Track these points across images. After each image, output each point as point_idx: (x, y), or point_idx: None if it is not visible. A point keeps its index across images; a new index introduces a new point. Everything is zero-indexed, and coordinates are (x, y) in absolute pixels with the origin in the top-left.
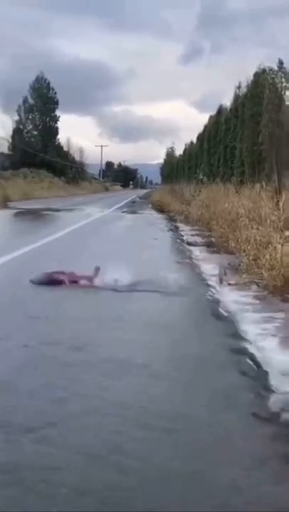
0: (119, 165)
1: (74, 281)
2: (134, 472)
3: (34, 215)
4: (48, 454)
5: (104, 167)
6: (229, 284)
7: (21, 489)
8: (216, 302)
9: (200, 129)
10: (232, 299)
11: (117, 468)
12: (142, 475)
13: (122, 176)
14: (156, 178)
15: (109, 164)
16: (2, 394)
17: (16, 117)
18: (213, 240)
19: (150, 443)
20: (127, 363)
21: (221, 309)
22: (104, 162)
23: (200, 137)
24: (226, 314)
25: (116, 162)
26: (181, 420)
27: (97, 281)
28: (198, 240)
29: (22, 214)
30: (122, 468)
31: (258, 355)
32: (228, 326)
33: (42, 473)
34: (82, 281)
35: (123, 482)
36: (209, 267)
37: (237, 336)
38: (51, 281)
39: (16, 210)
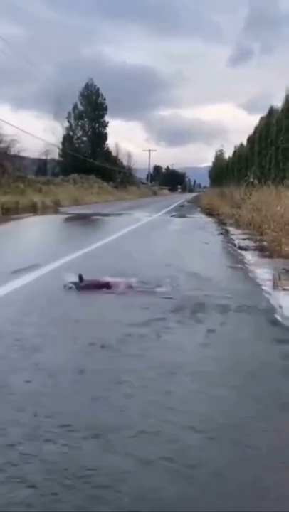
0: (167, 169)
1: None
2: None
3: (84, 220)
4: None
5: (152, 171)
6: (284, 289)
7: None
8: (271, 307)
9: (249, 130)
10: (288, 304)
11: None
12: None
13: (169, 179)
14: (205, 182)
15: (157, 168)
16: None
17: (66, 124)
18: (265, 244)
19: None
20: (181, 368)
21: (277, 315)
22: (152, 166)
23: (250, 139)
24: (281, 320)
25: (164, 166)
26: None
27: (145, 287)
28: (250, 244)
29: (72, 219)
30: None
31: None
32: (283, 332)
33: None
34: (128, 287)
35: None
36: (262, 271)
37: None
38: (94, 286)
39: (66, 215)
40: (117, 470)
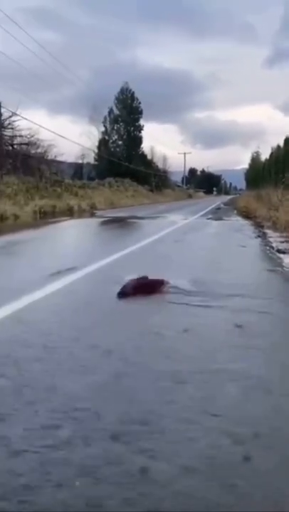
0: (203, 171)
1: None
2: None
3: (120, 223)
4: None
5: (187, 174)
6: None
7: None
8: None
9: (287, 132)
10: None
11: None
12: None
13: (205, 182)
14: (241, 184)
15: (192, 171)
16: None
17: (102, 128)
18: None
19: None
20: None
21: None
22: (187, 169)
23: (288, 140)
24: None
25: (199, 168)
26: None
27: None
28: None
29: (108, 222)
30: None
31: None
32: None
33: None
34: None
35: None
36: None
37: None
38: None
39: (102, 219)
40: None
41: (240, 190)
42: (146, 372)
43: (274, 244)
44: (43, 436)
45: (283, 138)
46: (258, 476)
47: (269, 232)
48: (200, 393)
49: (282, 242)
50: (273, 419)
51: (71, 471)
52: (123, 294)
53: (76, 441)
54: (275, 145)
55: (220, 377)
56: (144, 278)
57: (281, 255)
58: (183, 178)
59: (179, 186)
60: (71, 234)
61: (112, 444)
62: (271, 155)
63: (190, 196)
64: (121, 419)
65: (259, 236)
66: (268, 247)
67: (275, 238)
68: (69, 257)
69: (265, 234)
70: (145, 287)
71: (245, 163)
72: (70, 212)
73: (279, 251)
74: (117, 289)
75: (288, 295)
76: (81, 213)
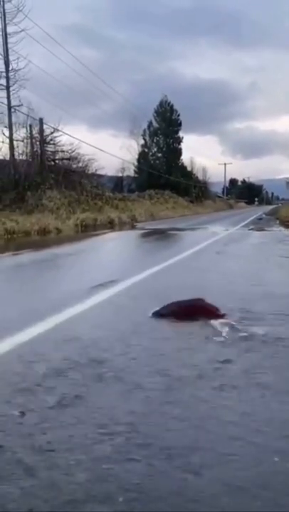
0: (243, 181)
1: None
2: None
3: (160, 235)
4: None
5: (228, 184)
6: None
7: None
8: None
9: None
10: None
11: None
12: None
13: (246, 192)
14: (283, 193)
15: (233, 181)
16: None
17: (142, 141)
18: None
19: None
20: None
21: None
22: (228, 179)
23: None
24: None
25: (240, 179)
26: None
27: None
28: None
29: (148, 234)
30: None
31: None
32: None
33: None
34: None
35: None
36: None
37: None
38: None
39: (142, 231)
40: None
41: (283, 199)
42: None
43: None
44: None
45: None
46: None
47: None
48: None
49: None
50: None
51: None
52: (159, 314)
53: None
54: None
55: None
56: (199, 301)
57: None
58: (223, 189)
59: (219, 197)
60: (112, 246)
61: None
62: None
63: (231, 207)
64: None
65: None
66: None
67: None
68: (110, 269)
69: None
70: (190, 311)
71: (286, 173)
72: (110, 225)
73: None
74: (154, 303)
75: None
76: (122, 226)
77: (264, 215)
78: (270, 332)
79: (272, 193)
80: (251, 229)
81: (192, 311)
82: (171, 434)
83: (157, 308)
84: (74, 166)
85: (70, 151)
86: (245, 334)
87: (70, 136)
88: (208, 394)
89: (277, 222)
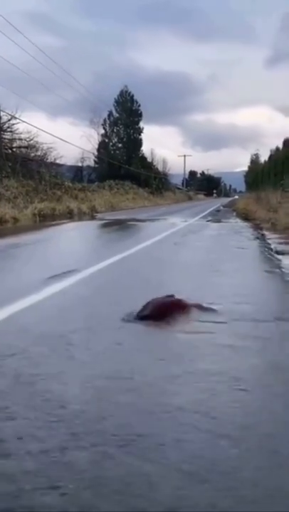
0: (203, 174)
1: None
2: None
3: (120, 226)
4: None
5: (187, 176)
6: None
7: None
8: None
9: (287, 134)
10: None
11: None
12: None
13: (205, 184)
14: (241, 186)
15: (192, 173)
16: None
17: (102, 131)
18: None
19: None
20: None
21: None
22: (187, 171)
23: (287, 143)
24: None
25: (199, 171)
26: None
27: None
28: (287, 248)
29: (108, 225)
30: None
31: None
32: None
33: None
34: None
35: None
36: None
37: None
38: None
39: (102, 221)
40: None
41: (240, 192)
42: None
43: (273, 246)
44: None
45: (283, 140)
46: None
47: (268, 234)
48: None
49: (281, 243)
50: None
51: None
52: (143, 316)
53: None
54: (274, 147)
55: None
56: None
57: (280, 256)
58: (183, 181)
59: (179, 189)
60: (71, 237)
61: None
62: (270, 157)
63: (190, 199)
64: None
65: (258, 238)
66: (266, 249)
67: (273, 240)
68: (68, 259)
69: (264, 236)
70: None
71: (244, 166)
72: (70, 215)
73: (278, 252)
74: (117, 291)
75: (283, 295)
76: (81, 216)
77: (222, 207)
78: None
79: (230, 186)
80: (209, 220)
81: (168, 309)
82: (121, 421)
83: (137, 310)
84: (32, 154)
85: (28, 139)
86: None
87: (28, 123)
88: (157, 380)
89: (234, 214)
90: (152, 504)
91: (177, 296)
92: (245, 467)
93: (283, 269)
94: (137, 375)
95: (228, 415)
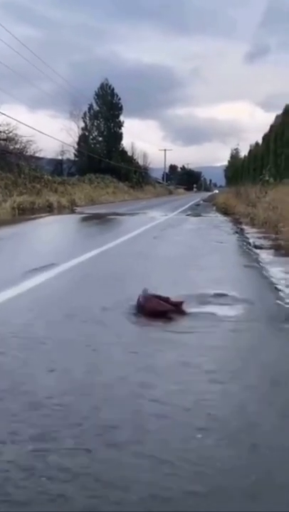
0: (183, 168)
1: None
2: None
3: (100, 220)
4: None
5: (167, 170)
6: None
7: None
8: (283, 306)
9: (266, 129)
10: None
11: None
12: None
13: (185, 179)
14: (221, 181)
15: (172, 167)
16: None
17: (82, 124)
18: (281, 242)
19: None
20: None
21: None
22: (167, 165)
23: (266, 138)
24: None
25: (179, 165)
26: None
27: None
28: (265, 242)
29: (88, 219)
30: None
31: None
32: None
33: None
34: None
35: None
36: (277, 270)
37: None
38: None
39: (82, 215)
40: None
41: (220, 186)
42: None
43: (251, 240)
44: None
45: (262, 135)
46: None
47: (247, 228)
48: None
49: (260, 237)
50: None
51: None
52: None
53: None
54: (253, 142)
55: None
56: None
57: (258, 251)
58: (163, 175)
59: (159, 183)
60: (50, 230)
61: None
62: (250, 152)
63: (170, 193)
64: None
65: (237, 232)
66: (245, 243)
67: (252, 234)
68: (47, 253)
69: (242, 230)
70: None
71: (224, 160)
72: (49, 209)
73: (256, 247)
74: (95, 285)
75: (260, 289)
76: (61, 210)
77: (202, 202)
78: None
79: (211, 180)
80: (189, 215)
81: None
82: (98, 413)
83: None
84: (11, 147)
85: (7, 132)
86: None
87: (7, 116)
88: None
89: (214, 208)
90: (127, 495)
91: (153, 291)
92: (218, 457)
93: (261, 264)
94: (110, 367)
95: (203, 407)
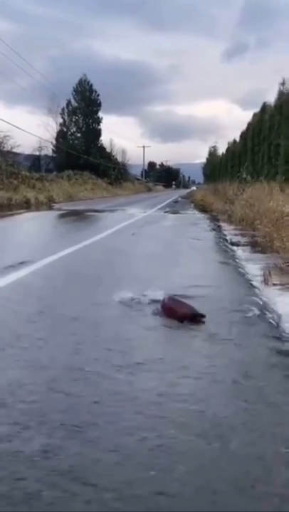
0: (162, 165)
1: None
2: None
3: (78, 216)
4: None
5: (146, 167)
6: (274, 284)
7: None
8: (260, 302)
9: (243, 127)
10: (276, 299)
11: None
12: None
13: (164, 176)
14: (199, 178)
15: (151, 164)
16: None
17: (60, 120)
18: (257, 239)
19: None
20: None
21: (266, 311)
22: (146, 162)
23: (243, 135)
24: (270, 315)
25: (158, 162)
26: None
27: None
28: (242, 239)
29: (66, 215)
30: None
31: None
32: (270, 326)
33: None
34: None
35: None
36: (253, 267)
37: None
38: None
39: (60, 212)
40: None
41: (199, 183)
42: None
43: (228, 237)
44: None
45: (240, 132)
46: None
47: (224, 225)
48: None
49: (236, 235)
50: None
51: None
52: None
53: None
54: (232, 140)
55: None
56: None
57: (234, 247)
58: (142, 172)
59: (138, 180)
60: (27, 227)
61: None
62: (228, 149)
63: (149, 190)
64: None
65: (214, 229)
66: (222, 240)
67: (229, 231)
68: (24, 250)
69: (220, 227)
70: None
71: (203, 158)
72: (27, 205)
73: (232, 243)
74: (69, 282)
75: (235, 286)
76: (38, 206)
77: (180, 199)
78: None
79: (189, 177)
80: (167, 212)
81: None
82: (70, 411)
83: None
84: None
85: None
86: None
87: None
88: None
89: (192, 205)
90: (100, 490)
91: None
92: (190, 452)
93: (237, 260)
94: (87, 364)
95: (176, 402)
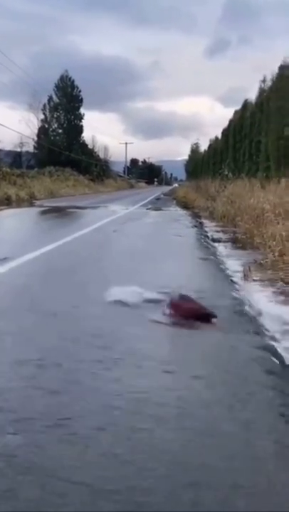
0: (144, 162)
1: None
2: None
3: (59, 213)
4: None
5: (128, 164)
6: (254, 280)
7: None
8: (240, 298)
9: (225, 124)
10: (256, 295)
11: None
12: None
13: (146, 172)
14: (181, 175)
15: (133, 161)
16: None
17: (42, 116)
18: (238, 236)
19: None
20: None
21: (246, 307)
22: (128, 159)
23: (225, 132)
24: (250, 311)
25: (140, 159)
26: None
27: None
28: (223, 236)
29: (47, 212)
30: None
31: (285, 355)
32: (249, 321)
33: None
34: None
35: None
36: (234, 263)
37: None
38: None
39: (41, 208)
40: None
41: (181, 180)
42: None
43: (209, 234)
44: None
45: (221, 129)
46: None
47: (206, 222)
48: None
49: (218, 231)
50: None
51: None
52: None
53: None
54: (213, 137)
55: None
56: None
57: (216, 244)
58: (124, 169)
59: (120, 176)
60: (8, 224)
61: None
62: (210, 146)
63: (132, 186)
64: None
65: (196, 226)
66: (203, 237)
67: (211, 228)
68: (2, 247)
69: (202, 224)
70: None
71: (185, 155)
72: (7, 202)
73: (214, 240)
74: (49, 279)
75: (216, 282)
76: (19, 203)
77: (162, 195)
78: None
79: (172, 174)
80: (149, 208)
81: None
82: (49, 408)
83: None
84: None
85: None
86: None
87: None
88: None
89: (174, 202)
90: (79, 487)
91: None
92: (170, 446)
93: (218, 257)
94: (67, 360)
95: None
